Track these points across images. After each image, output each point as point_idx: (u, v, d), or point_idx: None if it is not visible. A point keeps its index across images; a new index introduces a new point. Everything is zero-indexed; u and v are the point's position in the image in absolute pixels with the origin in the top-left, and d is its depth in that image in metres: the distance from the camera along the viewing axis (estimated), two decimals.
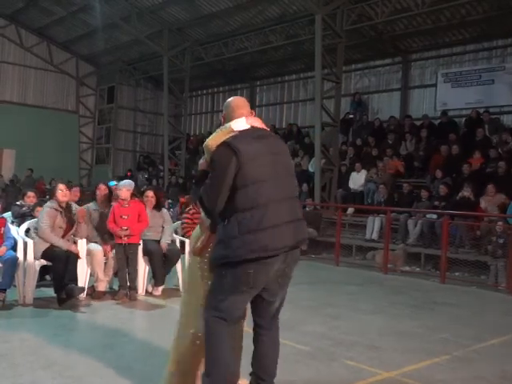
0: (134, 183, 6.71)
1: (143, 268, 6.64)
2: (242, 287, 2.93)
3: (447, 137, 12.56)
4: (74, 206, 6.27)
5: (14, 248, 5.80)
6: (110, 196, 6.72)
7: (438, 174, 11.35)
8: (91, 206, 6.70)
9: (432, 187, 11.33)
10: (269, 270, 2.92)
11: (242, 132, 3.01)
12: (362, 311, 6.37)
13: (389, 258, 9.78)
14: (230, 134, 2.98)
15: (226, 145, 2.92)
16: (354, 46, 14.34)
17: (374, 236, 11.16)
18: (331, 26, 12.80)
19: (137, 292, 6.44)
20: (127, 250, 6.29)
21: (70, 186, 7.07)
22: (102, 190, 6.74)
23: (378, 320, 5.95)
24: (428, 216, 10.40)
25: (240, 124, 3.05)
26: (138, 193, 7.13)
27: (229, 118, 3.13)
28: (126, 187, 6.42)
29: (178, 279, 6.95)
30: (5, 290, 5.59)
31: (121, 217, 6.30)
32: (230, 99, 3.27)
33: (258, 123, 3.12)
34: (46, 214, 5.91)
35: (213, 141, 3.01)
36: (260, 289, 2.98)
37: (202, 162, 3.15)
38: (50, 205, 5.98)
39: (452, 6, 11.97)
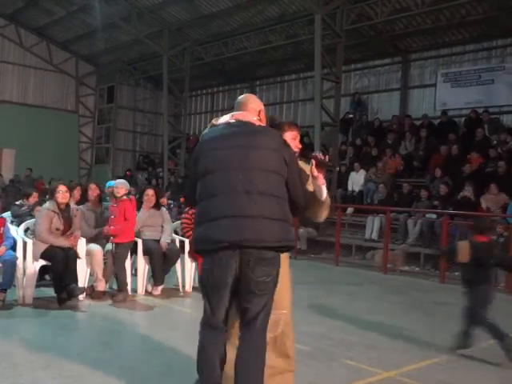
0: (127, 183, 6.69)
1: (143, 267, 6.65)
2: (204, 284, 2.87)
3: (447, 137, 12.56)
4: (72, 207, 6.23)
5: (14, 248, 5.80)
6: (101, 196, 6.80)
7: (438, 173, 11.35)
8: (84, 206, 6.69)
9: (431, 187, 11.33)
10: (222, 265, 2.78)
11: (218, 125, 3.01)
12: (361, 311, 6.38)
13: (388, 257, 9.78)
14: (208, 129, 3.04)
15: (199, 139, 3.07)
16: (353, 45, 14.34)
17: (374, 236, 11.17)
18: (331, 25, 12.80)
19: (127, 293, 6.29)
20: (114, 250, 6.26)
21: (72, 186, 7.05)
22: (93, 190, 6.79)
23: (377, 320, 5.95)
24: (427, 216, 10.40)
25: (223, 118, 3.03)
26: (138, 193, 7.15)
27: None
28: (120, 184, 6.39)
29: (177, 279, 6.96)
30: (5, 289, 5.59)
31: (110, 216, 6.31)
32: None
33: (246, 117, 3.00)
34: (43, 216, 5.89)
35: None
36: (224, 288, 2.81)
37: None
38: (47, 206, 5.96)
39: (452, 5, 11.97)
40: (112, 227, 6.22)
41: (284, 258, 3.03)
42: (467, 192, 10.09)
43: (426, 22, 13.29)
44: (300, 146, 3.32)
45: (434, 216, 10.14)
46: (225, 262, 2.77)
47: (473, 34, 13.52)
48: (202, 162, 2.89)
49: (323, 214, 3.33)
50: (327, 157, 3.23)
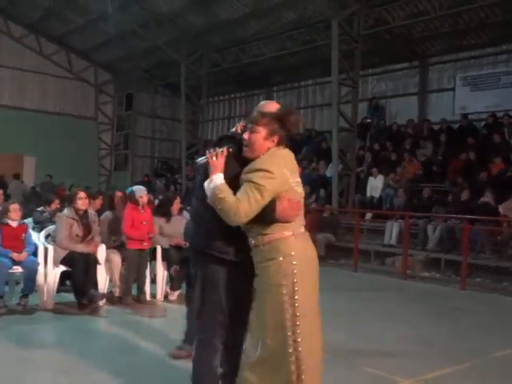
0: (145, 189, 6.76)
1: (161, 273, 6.68)
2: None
3: (466, 141, 12.42)
4: (90, 213, 6.30)
5: (35, 254, 5.87)
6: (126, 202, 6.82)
7: (459, 179, 11.21)
8: (109, 214, 6.76)
9: (451, 192, 11.21)
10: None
11: None
12: (380, 318, 6.32)
13: (408, 263, 9.68)
14: None
15: None
16: (370, 50, 14.27)
17: (393, 241, 11.07)
18: (348, 31, 12.77)
19: (145, 295, 6.43)
20: (142, 255, 6.31)
21: (93, 195, 7.08)
22: (118, 197, 6.89)
23: (397, 327, 5.89)
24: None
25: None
26: (166, 202, 7.14)
27: None
28: (144, 192, 6.48)
29: None
30: (27, 295, 5.67)
31: (141, 223, 6.34)
32: None
33: (237, 128, 3.01)
34: (63, 223, 5.96)
35: None
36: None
37: None
38: (66, 213, 6.03)
39: (470, 8, 11.86)
40: (151, 234, 6.35)
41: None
42: (487, 198, 9.95)
43: (444, 25, 13.19)
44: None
45: (455, 221, 10.01)
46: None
47: (492, 36, 13.37)
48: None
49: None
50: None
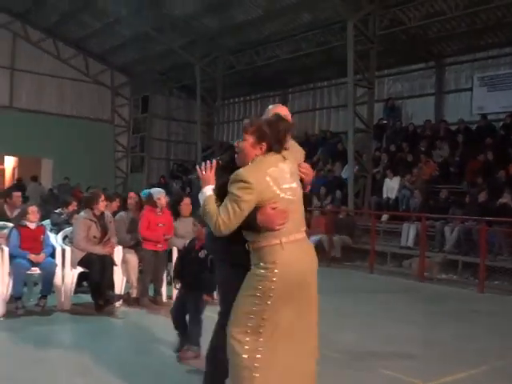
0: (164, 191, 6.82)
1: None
2: None
3: (484, 141, 12.29)
4: (107, 214, 6.37)
5: (53, 255, 5.94)
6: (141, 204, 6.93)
7: (478, 179, 11.09)
8: (123, 214, 6.85)
9: (469, 193, 11.09)
10: None
11: None
12: (397, 320, 6.27)
13: (425, 265, 9.60)
14: None
15: None
16: (386, 51, 14.19)
17: (410, 243, 10.99)
18: (363, 31, 12.72)
19: (161, 297, 6.47)
20: (158, 257, 6.35)
21: (110, 197, 7.19)
22: (132, 198, 7.00)
23: (413, 329, 5.85)
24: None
25: None
26: (173, 201, 7.24)
27: None
28: (162, 195, 6.55)
29: None
30: (45, 296, 5.73)
31: (157, 225, 6.39)
32: None
33: None
34: (80, 224, 6.03)
35: None
36: None
37: None
38: (84, 215, 6.09)
39: (487, 8, 11.73)
40: (167, 236, 6.41)
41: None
42: (506, 199, 9.83)
43: (461, 25, 13.06)
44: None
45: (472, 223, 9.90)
46: None
47: (509, 36, 13.19)
48: None
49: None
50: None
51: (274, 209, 2.70)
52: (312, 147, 16.30)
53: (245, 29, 16.17)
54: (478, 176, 11.20)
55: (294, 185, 2.82)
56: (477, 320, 6.58)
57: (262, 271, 2.71)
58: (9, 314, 5.49)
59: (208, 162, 2.86)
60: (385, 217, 12.22)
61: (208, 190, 2.81)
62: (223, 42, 17.57)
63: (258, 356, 2.69)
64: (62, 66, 20.66)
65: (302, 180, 2.96)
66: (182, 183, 19.87)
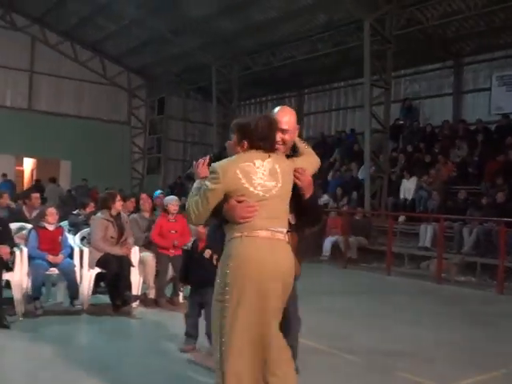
0: (178, 199, 6.88)
1: None
2: None
3: (504, 141, 12.12)
4: (123, 215, 6.43)
5: (71, 256, 6.00)
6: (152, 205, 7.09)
7: (498, 180, 10.95)
8: (137, 215, 6.95)
9: (488, 194, 10.96)
10: None
11: None
12: (413, 322, 6.22)
13: (443, 267, 9.50)
14: None
15: None
16: (403, 50, 14.08)
17: (427, 244, 10.89)
18: (380, 31, 12.65)
19: (178, 298, 6.51)
20: (174, 262, 6.40)
21: (125, 196, 7.30)
22: (144, 199, 7.10)
23: (431, 331, 5.79)
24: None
25: None
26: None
27: None
28: (174, 202, 6.62)
29: None
30: (75, 298, 5.76)
31: (169, 232, 6.46)
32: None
33: None
34: (98, 225, 6.08)
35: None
36: None
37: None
38: (101, 216, 6.15)
39: (506, 7, 11.58)
40: (176, 241, 6.43)
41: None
42: None
43: (479, 24, 12.92)
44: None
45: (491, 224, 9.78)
46: None
47: None
48: None
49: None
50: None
51: (240, 202, 2.73)
52: (328, 148, 16.27)
53: (261, 30, 16.18)
54: (498, 176, 11.06)
55: (272, 183, 2.80)
56: (496, 322, 6.49)
57: (222, 263, 2.79)
58: (27, 314, 5.55)
59: (202, 157, 2.97)
60: (402, 218, 12.13)
61: (197, 183, 2.91)
62: (239, 43, 17.60)
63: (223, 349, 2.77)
64: (80, 69, 20.89)
65: (296, 184, 2.94)
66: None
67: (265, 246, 2.74)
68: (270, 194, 2.79)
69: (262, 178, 2.79)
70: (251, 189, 2.76)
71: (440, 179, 12.24)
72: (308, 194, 2.95)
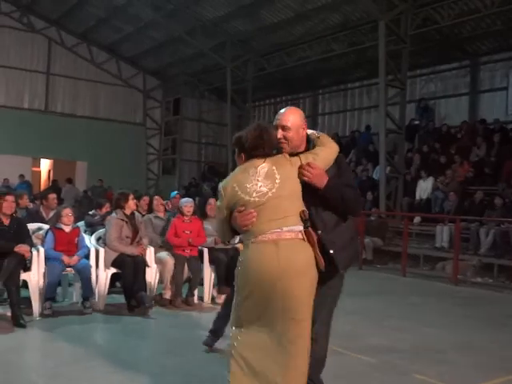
0: (193, 201, 6.99)
1: (209, 276, 6.76)
2: None
3: None
4: (137, 215, 6.49)
5: (88, 256, 6.05)
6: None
7: None
8: (150, 215, 7.08)
9: (505, 195, 10.83)
10: None
11: None
12: (430, 324, 6.17)
13: (459, 268, 9.41)
14: None
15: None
16: (418, 50, 14.00)
17: (444, 245, 10.80)
18: (395, 31, 12.57)
19: (193, 298, 6.55)
20: (190, 263, 6.45)
21: (138, 196, 7.42)
22: (157, 200, 7.27)
23: (447, 333, 5.74)
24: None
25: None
26: (202, 203, 7.42)
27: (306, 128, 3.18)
28: (189, 204, 6.73)
29: None
30: (88, 298, 5.83)
31: (183, 232, 6.54)
32: (297, 109, 3.24)
33: None
34: (113, 224, 6.13)
35: (334, 143, 3.19)
36: None
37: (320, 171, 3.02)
38: (115, 216, 6.20)
39: None
40: (191, 239, 6.52)
41: None
42: None
43: (496, 23, 12.78)
44: None
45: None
46: None
47: None
48: None
49: None
50: None
51: (240, 212, 2.86)
52: (343, 148, 16.21)
53: (275, 30, 16.19)
54: None
55: (268, 186, 2.86)
56: None
57: (236, 270, 2.94)
58: (44, 313, 5.61)
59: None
60: (417, 219, 12.04)
61: None
62: (254, 44, 17.62)
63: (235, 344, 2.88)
64: (96, 71, 21.09)
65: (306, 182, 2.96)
66: (212, 185, 19.99)
67: (268, 248, 2.79)
68: (266, 197, 2.84)
69: (257, 184, 2.87)
70: (247, 198, 2.86)
71: (456, 180, 12.13)
72: (320, 185, 2.95)
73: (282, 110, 3.15)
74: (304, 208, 2.90)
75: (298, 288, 2.77)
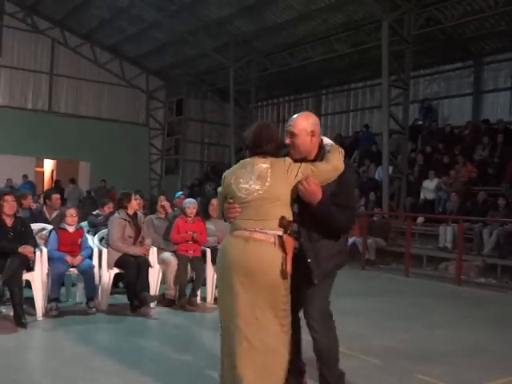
0: (196, 202, 6.99)
1: (211, 276, 6.75)
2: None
3: None
4: (139, 215, 6.49)
5: (91, 256, 6.05)
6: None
7: None
8: (153, 216, 7.10)
9: (508, 195, 10.81)
10: None
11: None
12: (433, 324, 6.16)
13: (462, 269, 9.39)
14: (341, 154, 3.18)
15: (348, 165, 3.22)
16: (422, 50, 13.98)
17: (447, 246, 10.78)
18: (398, 31, 12.55)
19: (196, 299, 6.54)
20: (193, 263, 6.46)
21: (143, 197, 7.44)
22: (161, 200, 7.28)
23: (450, 334, 5.73)
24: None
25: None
26: (204, 203, 7.43)
27: (318, 133, 3.18)
28: (192, 204, 6.75)
29: None
30: (92, 297, 5.84)
31: (186, 232, 6.54)
32: (311, 114, 3.24)
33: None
34: (116, 224, 6.14)
35: (342, 161, 3.15)
36: None
37: (314, 186, 3.04)
38: (118, 215, 6.21)
39: None
40: (196, 234, 6.55)
41: None
42: None
43: (500, 23, 12.75)
44: None
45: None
46: None
47: None
48: None
49: None
50: None
51: (228, 204, 3.07)
52: (346, 149, 16.17)
53: (278, 31, 16.19)
54: None
55: (257, 186, 2.98)
56: None
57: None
58: (47, 313, 5.62)
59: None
60: (420, 219, 12.02)
61: None
62: (257, 44, 17.62)
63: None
64: (99, 71, 21.12)
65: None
66: (215, 185, 20.00)
67: (238, 244, 2.98)
68: (252, 196, 2.98)
69: (248, 182, 3.01)
70: (237, 192, 3.03)
71: (460, 180, 12.10)
72: (312, 201, 3.02)
73: (294, 116, 3.18)
74: (288, 215, 2.99)
75: (260, 286, 2.93)
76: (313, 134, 3.10)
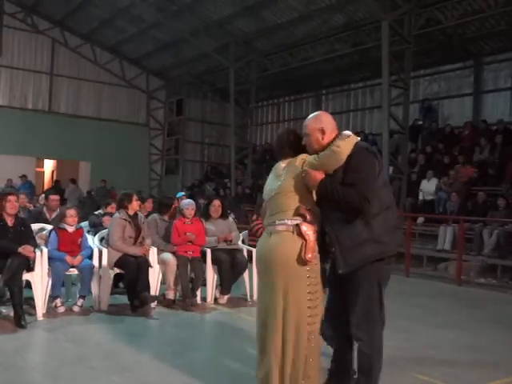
0: (194, 203, 6.99)
1: (211, 277, 6.76)
2: (386, 283, 3.52)
3: None
4: (140, 215, 6.49)
5: (91, 256, 6.06)
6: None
7: None
8: (156, 216, 7.04)
9: (508, 195, 10.80)
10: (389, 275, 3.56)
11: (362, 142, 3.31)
12: (434, 324, 6.16)
13: (463, 269, 9.39)
14: (357, 140, 3.23)
15: (364, 148, 3.20)
16: (422, 50, 13.97)
17: (447, 246, 10.77)
18: (398, 31, 12.55)
19: (196, 299, 6.53)
20: (192, 264, 6.46)
21: (143, 198, 7.40)
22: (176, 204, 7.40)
23: (451, 334, 5.73)
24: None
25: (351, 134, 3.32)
26: (205, 203, 7.42)
27: (330, 129, 3.28)
28: (190, 206, 6.76)
29: (245, 288, 7.02)
30: (84, 296, 5.86)
31: (185, 233, 6.54)
32: (321, 113, 3.39)
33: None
34: (116, 224, 6.14)
35: (346, 146, 3.17)
36: None
37: (312, 171, 3.20)
38: (118, 216, 6.21)
39: None
40: (193, 235, 6.56)
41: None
42: None
43: (500, 23, 12.74)
44: None
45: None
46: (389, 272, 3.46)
47: None
48: (381, 175, 3.25)
49: None
50: None
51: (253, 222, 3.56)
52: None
53: (278, 31, 16.18)
54: None
55: (275, 185, 3.31)
56: None
57: None
58: (48, 313, 5.62)
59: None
60: (420, 219, 12.01)
61: None
62: (257, 44, 17.62)
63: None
64: (99, 71, 21.12)
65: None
66: (215, 185, 20.00)
67: (264, 239, 3.32)
68: (270, 195, 3.33)
69: (269, 184, 3.40)
70: (264, 195, 3.44)
71: (459, 180, 12.10)
72: (312, 183, 3.19)
73: (310, 121, 3.34)
74: (305, 204, 3.18)
75: (276, 270, 3.17)
76: (323, 131, 3.25)
